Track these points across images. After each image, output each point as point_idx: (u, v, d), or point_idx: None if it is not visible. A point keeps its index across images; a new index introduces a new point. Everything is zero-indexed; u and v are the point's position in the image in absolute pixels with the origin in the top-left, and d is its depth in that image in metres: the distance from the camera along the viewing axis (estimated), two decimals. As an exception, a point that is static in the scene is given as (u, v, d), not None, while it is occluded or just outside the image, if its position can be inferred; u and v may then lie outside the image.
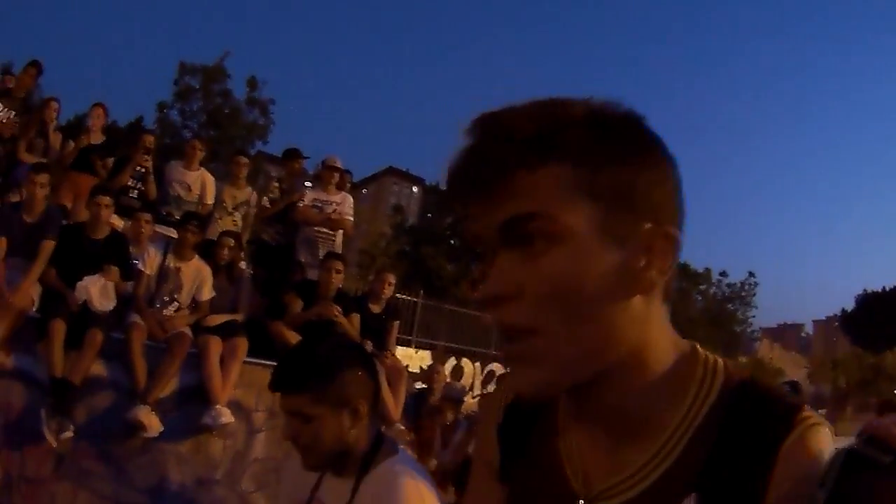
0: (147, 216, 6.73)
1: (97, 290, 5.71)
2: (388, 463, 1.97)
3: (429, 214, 35.15)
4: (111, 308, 5.77)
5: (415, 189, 71.40)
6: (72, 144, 8.28)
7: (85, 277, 5.73)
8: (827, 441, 0.84)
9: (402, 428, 6.90)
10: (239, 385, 6.23)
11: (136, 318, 5.86)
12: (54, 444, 5.19)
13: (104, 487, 5.60)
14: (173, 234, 6.97)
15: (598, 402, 0.89)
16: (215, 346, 5.95)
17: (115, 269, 5.87)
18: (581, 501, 0.91)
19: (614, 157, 0.82)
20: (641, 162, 0.84)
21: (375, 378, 2.04)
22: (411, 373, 9.91)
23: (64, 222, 6.24)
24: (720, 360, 0.92)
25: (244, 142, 26.35)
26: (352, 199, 8.28)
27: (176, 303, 6.22)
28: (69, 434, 5.23)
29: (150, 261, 6.21)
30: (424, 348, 17.34)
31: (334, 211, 8.00)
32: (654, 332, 0.87)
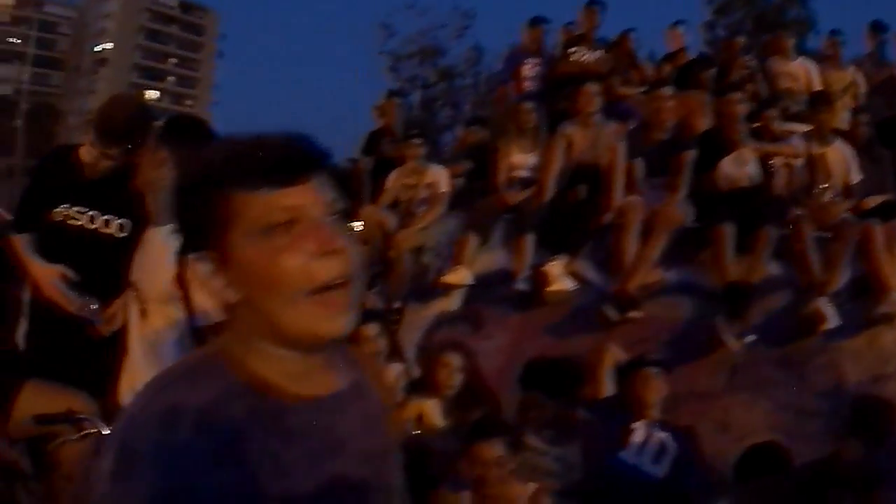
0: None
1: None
2: None
3: None
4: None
5: None
6: (666, 68, 8.29)
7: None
8: None
9: None
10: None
11: (799, 210, 5.55)
12: (735, 350, 5.11)
13: (782, 395, 5.37)
14: (797, 128, 6.53)
15: None
16: (877, 230, 5.36)
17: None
18: None
19: None
20: None
21: None
22: None
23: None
24: None
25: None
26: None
27: (829, 191, 5.78)
28: (750, 338, 5.11)
29: (795, 151, 5.87)
30: None
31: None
32: None
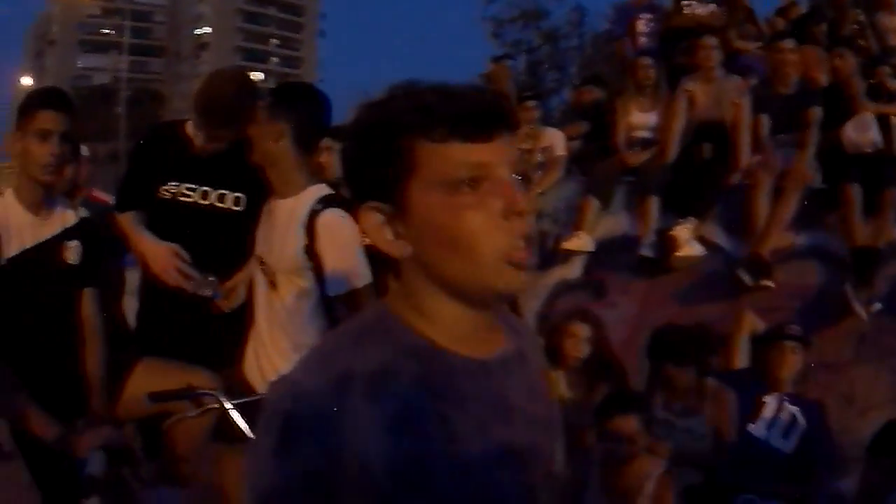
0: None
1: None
2: None
3: None
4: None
5: None
6: (779, 21, 7.90)
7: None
8: None
9: None
10: None
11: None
12: (864, 318, 4.77)
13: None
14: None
15: None
16: None
17: None
18: None
19: None
20: None
21: None
22: None
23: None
24: None
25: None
26: None
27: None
28: (878, 306, 4.77)
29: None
30: None
31: None
32: None
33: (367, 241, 2.71)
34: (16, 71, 59.32)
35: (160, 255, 2.96)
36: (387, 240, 1.03)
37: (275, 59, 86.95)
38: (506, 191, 0.99)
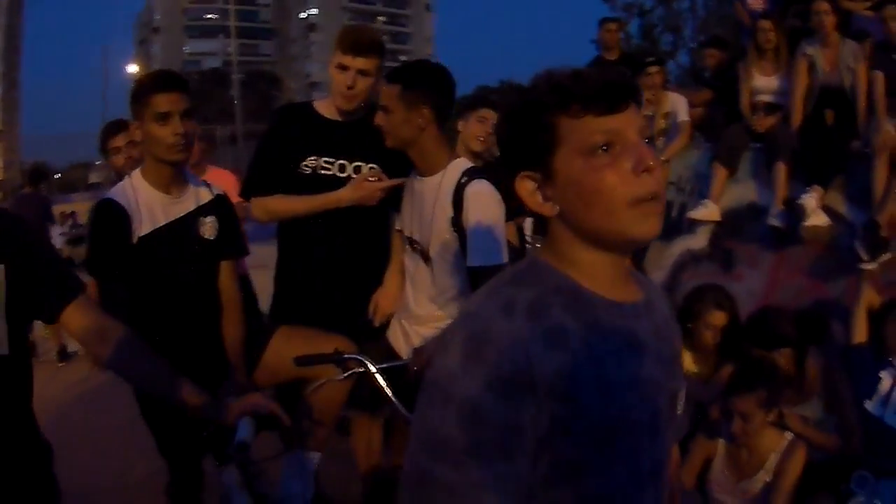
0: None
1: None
2: None
3: None
4: None
5: None
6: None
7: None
8: None
9: None
10: None
11: None
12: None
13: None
14: None
15: None
16: None
17: None
18: None
19: None
20: None
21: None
22: None
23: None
24: None
25: None
26: None
27: None
28: None
29: None
30: None
31: None
32: None
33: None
34: (126, 62, 61.48)
35: (355, 187, 2.98)
36: (539, 202, 1.24)
37: (384, 37, 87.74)
38: (635, 150, 1.17)
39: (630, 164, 1.16)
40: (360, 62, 2.96)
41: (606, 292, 1.23)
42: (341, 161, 3.07)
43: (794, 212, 5.04)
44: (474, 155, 3.70)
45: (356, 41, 3.00)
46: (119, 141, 4.10)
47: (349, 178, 3.05)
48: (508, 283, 1.22)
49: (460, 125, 3.99)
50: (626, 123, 1.18)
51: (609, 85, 1.18)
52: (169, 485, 3.03)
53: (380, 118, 2.77)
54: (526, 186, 1.24)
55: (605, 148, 1.17)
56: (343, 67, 2.98)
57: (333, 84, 3.03)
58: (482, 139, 4.05)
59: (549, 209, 1.23)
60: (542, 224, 1.30)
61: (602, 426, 1.16)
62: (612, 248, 1.23)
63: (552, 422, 1.13)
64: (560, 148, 1.19)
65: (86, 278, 2.18)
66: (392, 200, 3.01)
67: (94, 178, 46.75)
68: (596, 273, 1.23)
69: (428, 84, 2.75)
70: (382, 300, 3.09)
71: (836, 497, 3.30)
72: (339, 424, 3.39)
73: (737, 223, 5.33)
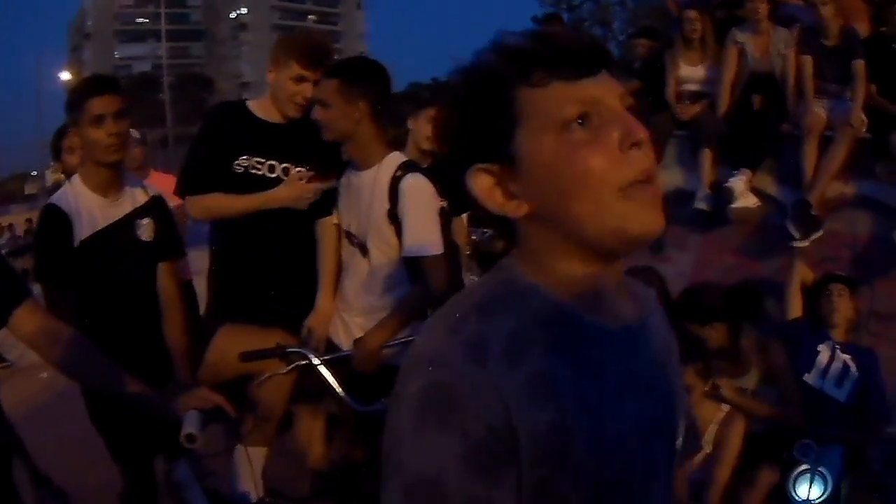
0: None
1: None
2: None
3: None
4: None
5: None
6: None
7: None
8: None
9: None
10: None
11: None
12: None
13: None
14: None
15: None
16: None
17: None
18: None
19: None
20: None
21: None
22: None
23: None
24: None
25: None
26: None
27: None
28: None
29: None
30: None
31: None
32: None
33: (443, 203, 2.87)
34: (60, 69, 60.04)
35: (289, 187, 2.99)
36: (500, 201, 0.96)
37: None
38: (619, 121, 0.92)
39: (615, 138, 0.91)
40: (318, 74, 2.98)
41: (599, 314, 0.97)
42: (271, 161, 3.08)
43: (723, 195, 5.19)
44: (425, 154, 3.77)
45: (315, 55, 3.03)
46: (73, 140, 4.06)
47: (278, 178, 3.06)
48: (476, 310, 0.94)
49: (410, 123, 4.06)
50: (604, 89, 0.93)
51: (578, 44, 0.94)
52: (123, 492, 3.04)
53: (318, 112, 2.83)
54: (481, 183, 0.96)
55: (581, 121, 0.91)
56: (302, 79, 2.99)
57: (284, 93, 3.03)
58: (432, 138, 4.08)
59: (514, 208, 0.96)
60: (506, 229, 1.00)
61: (596, 485, 0.92)
62: (604, 253, 0.95)
63: (535, 488, 0.88)
64: (523, 127, 0.93)
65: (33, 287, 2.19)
66: (326, 203, 3.04)
67: (29, 188, 46.22)
68: (584, 289, 0.96)
69: (366, 79, 2.82)
70: (315, 324, 3.09)
71: (780, 466, 3.40)
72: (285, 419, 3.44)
73: (665, 208, 5.44)
